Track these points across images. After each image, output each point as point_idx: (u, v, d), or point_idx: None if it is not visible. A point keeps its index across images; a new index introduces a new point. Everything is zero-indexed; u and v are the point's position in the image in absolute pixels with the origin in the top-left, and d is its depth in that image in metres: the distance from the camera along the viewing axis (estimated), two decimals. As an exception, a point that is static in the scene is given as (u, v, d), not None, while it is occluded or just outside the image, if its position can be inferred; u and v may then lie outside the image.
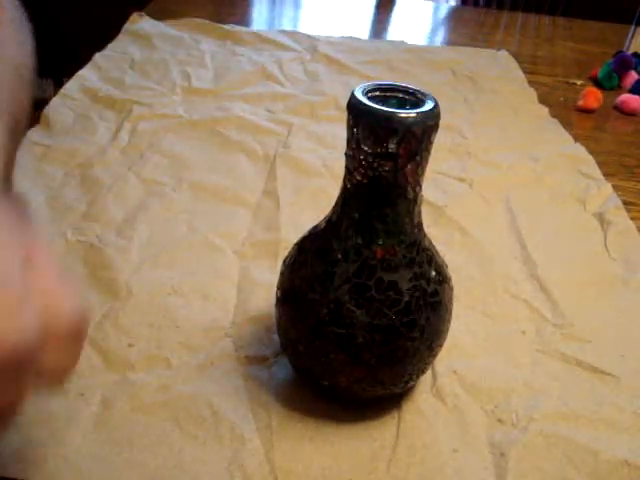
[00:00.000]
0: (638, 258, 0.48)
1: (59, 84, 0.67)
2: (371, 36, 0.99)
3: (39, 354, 0.22)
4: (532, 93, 0.78)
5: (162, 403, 0.33)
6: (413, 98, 0.29)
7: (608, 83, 0.84)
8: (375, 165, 0.28)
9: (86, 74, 0.70)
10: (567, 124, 0.70)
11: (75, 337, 0.24)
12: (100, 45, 0.77)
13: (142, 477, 0.30)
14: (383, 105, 0.27)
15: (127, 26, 0.85)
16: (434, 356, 0.33)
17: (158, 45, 0.80)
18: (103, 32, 0.83)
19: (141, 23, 0.86)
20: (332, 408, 0.34)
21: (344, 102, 0.29)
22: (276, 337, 0.36)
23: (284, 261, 0.34)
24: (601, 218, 0.53)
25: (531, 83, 0.81)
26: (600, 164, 0.61)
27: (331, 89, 0.72)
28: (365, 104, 0.27)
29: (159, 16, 0.89)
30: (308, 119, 0.66)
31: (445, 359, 0.37)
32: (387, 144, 0.27)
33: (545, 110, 0.73)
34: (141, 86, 0.68)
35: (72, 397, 0.33)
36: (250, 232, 0.48)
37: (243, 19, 0.99)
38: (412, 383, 0.34)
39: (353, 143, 0.28)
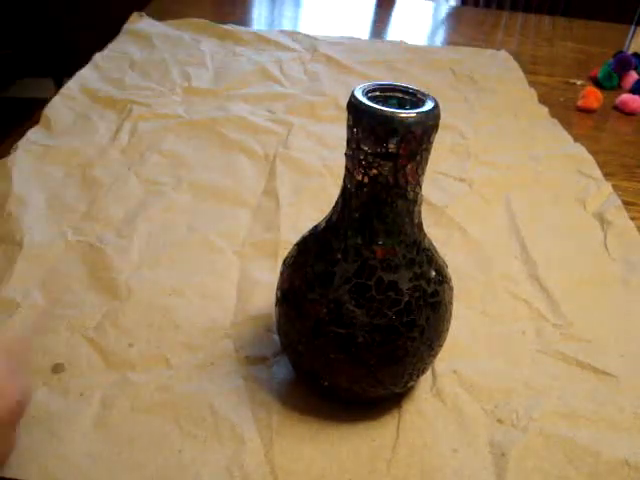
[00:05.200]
0: (638, 258, 0.48)
1: (59, 84, 0.67)
2: (371, 36, 0.99)
3: None
4: (532, 93, 0.78)
5: (162, 403, 0.33)
6: (413, 98, 0.29)
7: (608, 83, 0.84)
8: (375, 165, 0.28)
9: (86, 74, 0.70)
10: (567, 124, 0.70)
11: (10, 422, 0.27)
12: (100, 45, 0.77)
13: (142, 477, 0.30)
14: (383, 105, 0.27)
15: (127, 26, 0.85)
16: (434, 356, 0.33)
17: (158, 45, 0.80)
18: (103, 32, 0.83)
19: (141, 23, 0.86)
20: (332, 408, 0.34)
21: (344, 102, 0.29)
22: (276, 337, 0.36)
23: (284, 261, 0.34)
24: (601, 218, 0.53)
25: (531, 83, 0.81)
26: (600, 164, 0.61)
27: (331, 89, 0.72)
28: (365, 104, 0.27)
29: (159, 16, 0.89)
30: (308, 119, 0.66)
31: (445, 359, 0.37)
32: (387, 144, 0.27)
33: (545, 110, 0.73)
34: (141, 86, 0.68)
35: (72, 397, 0.33)
36: (250, 232, 0.48)
37: (243, 19, 0.99)
38: (412, 383, 0.34)
39: (353, 143, 0.28)
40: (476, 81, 0.80)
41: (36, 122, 0.59)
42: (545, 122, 0.70)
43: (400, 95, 0.29)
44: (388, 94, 0.29)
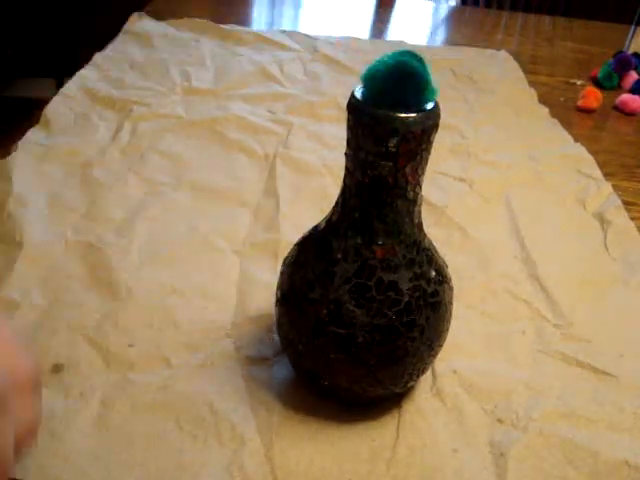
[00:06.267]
0: (638, 258, 0.48)
1: (59, 84, 0.67)
2: (371, 36, 0.99)
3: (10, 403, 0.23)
4: (532, 93, 0.78)
5: (162, 403, 0.33)
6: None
7: (608, 83, 0.84)
8: (375, 165, 0.28)
9: (86, 74, 0.70)
10: (567, 124, 0.70)
11: (34, 388, 0.26)
12: (100, 45, 0.77)
13: (142, 477, 0.30)
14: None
15: (127, 26, 0.85)
16: (434, 356, 0.33)
17: (158, 45, 0.80)
18: (103, 32, 0.83)
19: (141, 23, 0.86)
20: (332, 408, 0.34)
21: (344, 102, 0.29)
22: (276, 337, 0.36)
23: (284, 261, 0.34)
24: (601, 218, 0.53)
25: (531, 83, 0.81)
26: (600, 164, 0.61)
27: (331, 89, 0.72)
28: (365, 104, 0.27)
29: (159, 16, 0.89)
30: (308, 119, 0.66)
31: (445, 359, 0.37)
32: (387, 144, 0.27)
33: (545, 110, 0.73)
34: (141, 86, 0.68)
35: (72, 397, 0.33)
36: (250, 232, 0.48)
37: (243, 19, 0.99)
38: (412, 383, 0.34)
39: (353, 143, 0.28)
40: (476, 81, 0.80)
41: (36, 122, 0.59)
42: (545, 122, 0.70)
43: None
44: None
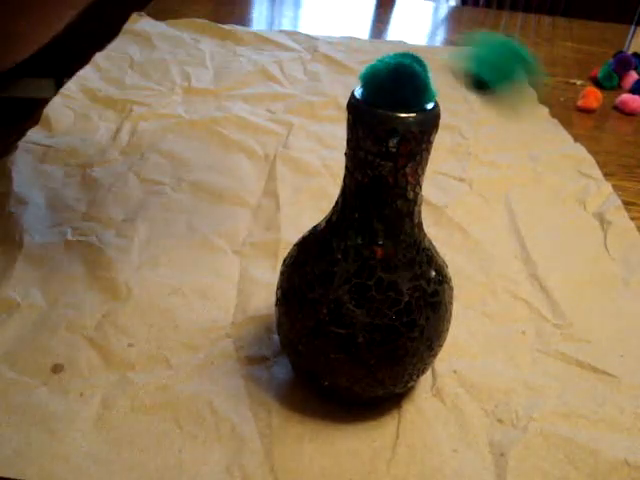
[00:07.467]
0: (638, 258, 0.48)
1: (59, 84, 0.67)
2: (371, 36, 0.99)
3: None
4: (532, 93, 0.78)
5: (162, 403, 0.33)
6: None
7: (608, 83, 0.84)
8: (375, 165, 0.28)
9: (86, 74, 0.70)
10: (567, 124, 0.70)
11: None
12: (100, 45, 0.77)
13: (142, 477, 0.30)
14: (383, 105, 0.27)
15: (127, 26, 0.85)
16: (434, 356, 0.33)
17: (158, 45, 0.80)
18: (103, 32, 0.83)
19: (141, 23, 0.86)
20: (332, 408, 0.34)
21: (344, 102, 0.29)
22: (276, 337, 0.36)
23: (284, 261, 0.34)
24: (601, 218, 0.53)
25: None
26: (600, 164, 0.61)
27: (331, 89, 0.72)
28: (365, 104, 0.27)
29: (159, 16, 0.89)
30: (308, 119, 0.66)
31: (445, 359, 0.37)
32: (387, 144, 0.27)
33: (545, 110, 0.73)
34: (141, 86, 0.68)
35: (72, 397, 0.33)
36: (250, 232, 0.48)
37: (243, 19, 0.99)
38: (412, 383, 0.34)
39: (353, 143, 0.28)
40: (476, 81, 0.80)
41: (36, 122, 0.59)
42: (545, 122, 0.70)
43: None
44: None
